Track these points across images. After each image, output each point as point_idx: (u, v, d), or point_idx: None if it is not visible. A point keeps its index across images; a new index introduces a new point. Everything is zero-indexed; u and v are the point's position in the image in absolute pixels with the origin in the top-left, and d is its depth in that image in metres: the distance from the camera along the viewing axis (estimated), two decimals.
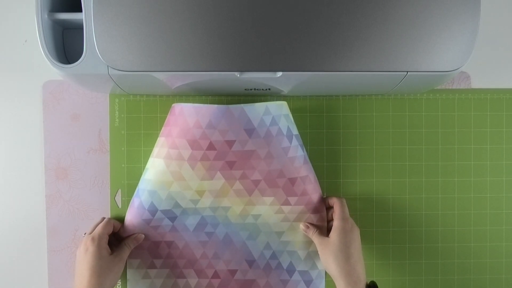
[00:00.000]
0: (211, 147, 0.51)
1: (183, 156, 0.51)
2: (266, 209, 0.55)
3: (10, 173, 0.58)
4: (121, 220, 0.55)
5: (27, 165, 0.58)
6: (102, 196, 0.58)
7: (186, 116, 0.50)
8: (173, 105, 0.53)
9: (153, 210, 0.53)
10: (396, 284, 0.59)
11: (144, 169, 0.55)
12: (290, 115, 0.54)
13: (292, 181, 0.53)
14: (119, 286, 0.57)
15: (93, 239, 0.50)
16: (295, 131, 0.54)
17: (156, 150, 0.53)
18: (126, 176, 0.57)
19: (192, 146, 0.51)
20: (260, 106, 0.51)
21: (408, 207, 0.59)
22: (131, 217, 0.54)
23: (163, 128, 0.53)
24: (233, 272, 0.57)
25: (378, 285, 0.50)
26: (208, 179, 0.53)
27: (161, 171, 0.52)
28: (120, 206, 0.57)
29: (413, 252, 0.59)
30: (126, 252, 0.53)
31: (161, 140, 0.53)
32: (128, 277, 0.56)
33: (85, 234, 0.53)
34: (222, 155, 0.52)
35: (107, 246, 0.51)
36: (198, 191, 0.53)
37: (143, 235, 0.54)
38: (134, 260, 0.55)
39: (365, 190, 0.59)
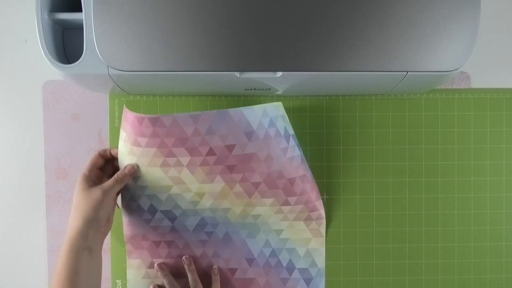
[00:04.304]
0: (211, 152, 0.50)
1: (182, 162, 0.50)
2: (266, 210, 0.55)
3: (10, 173, 0.58)
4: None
5: (27, 165, 0.58)
6: None
7: (182, 126, 0.48)
8: (125, 110, 0.49)
9: (152, 211, 0.53)
10: (396, 284, 0.59)
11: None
12: (286, 116, 0.54)
13: (292, 181, 0.53)
14: (119, 286, 0.57)
15: (80, 174, 0.48)
16: (291, 131, 0.54)
17: (146, 160, 0.50)
18: None
19: (191, 153, 0.50)
20: (258, 109, 0.51)
21: (408, 207, 0.59)
22: (130, 217, 0.54)
23: (135, 138, 0.48)
24: (233, 271, 0.57)
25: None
26: (208, 182, 0.52)
27: (159, 177, 0.51)
28: (120, 207, 0.57)
29: (413, 252, 0.59)
30: (109, 183, 0.48)
31: (152, 151, 0.49)
32: (128, 277, 0.56)
33: None
34: (222, 160, 0.51)
35: (93, 179, 0.48)
36: (198, 193, 0.53)
37: (136, 165, 0.50)
38: (134, 260, 0.55)
39: (365, 190, 0.59)
